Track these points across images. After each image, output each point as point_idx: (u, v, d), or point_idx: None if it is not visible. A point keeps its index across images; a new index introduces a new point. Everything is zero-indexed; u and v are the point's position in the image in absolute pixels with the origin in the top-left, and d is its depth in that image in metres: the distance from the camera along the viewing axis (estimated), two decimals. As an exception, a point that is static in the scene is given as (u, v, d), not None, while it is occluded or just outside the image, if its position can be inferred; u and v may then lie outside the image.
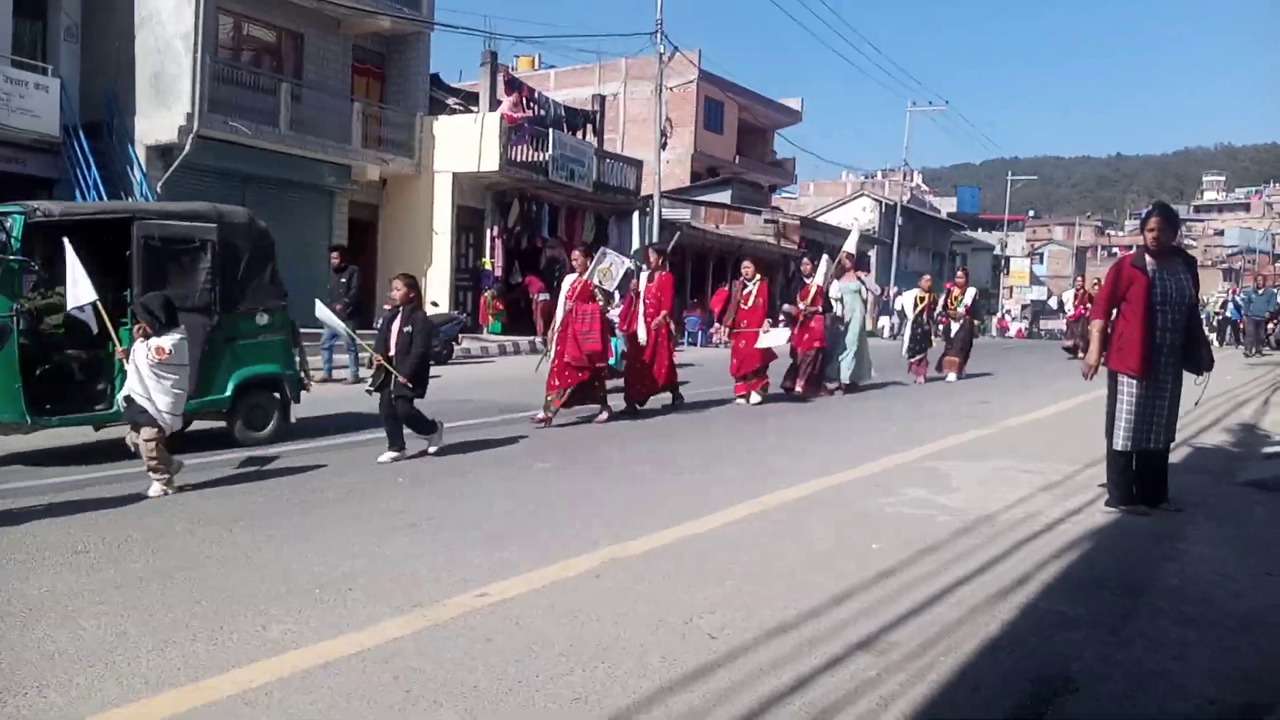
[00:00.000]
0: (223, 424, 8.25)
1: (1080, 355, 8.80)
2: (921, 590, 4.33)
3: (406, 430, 7.63)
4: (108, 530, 5.38)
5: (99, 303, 6.87)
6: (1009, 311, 55.06)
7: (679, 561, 4.81)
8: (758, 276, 11.77)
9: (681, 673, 3.42)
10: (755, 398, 11.38)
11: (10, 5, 16.93)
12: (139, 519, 5.68)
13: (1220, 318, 28.57)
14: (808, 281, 12.18)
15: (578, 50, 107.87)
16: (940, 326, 15.38)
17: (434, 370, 8.39)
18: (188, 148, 17.62)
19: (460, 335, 18.73)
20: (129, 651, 3.59)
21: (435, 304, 20.43)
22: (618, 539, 5.20)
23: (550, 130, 24.10)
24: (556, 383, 9.53)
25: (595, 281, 9.58)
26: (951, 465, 7.51)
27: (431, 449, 7.80)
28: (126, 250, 7.53)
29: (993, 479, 6.97)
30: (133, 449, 6.44)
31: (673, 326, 10.69)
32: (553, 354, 9.69)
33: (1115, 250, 77.26)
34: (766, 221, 36.28)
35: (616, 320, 10.62)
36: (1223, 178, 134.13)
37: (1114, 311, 6.00)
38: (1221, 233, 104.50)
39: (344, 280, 13.57)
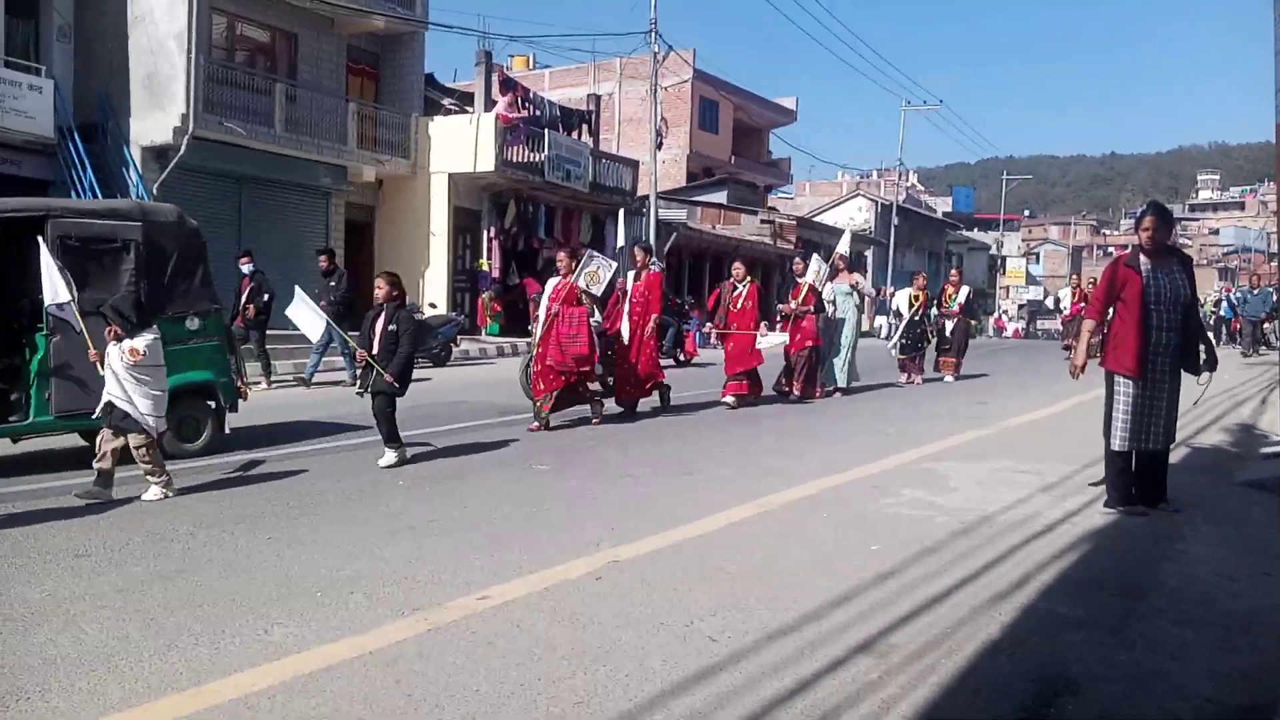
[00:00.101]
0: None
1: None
2: (921, 592, 4.35)
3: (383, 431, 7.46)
4: (109, 534, 5.39)
5: (74, 302, 6.76)
6: (1005, 312, 55.13)
7: (679, 563, 4.82)
8: (748, 278, 11.75)
9: (683, 675, 3.42)
10: (730, 399, 11.35)
11: (2, 6, 16.87)
12: (140, 522, 5.67)
13: (1214, 316, 28.63)
14: (800, 281, 12.19)
15: (572, 50, 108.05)
16: (935, 326, 15.38)
17: (432, 372, 8.36)
18: (183, 149, 17.58)
19: (458, 337, 18.72)
20: (131, 655, 3.59)
21: (433, 305, 20.46)
22: (618, 541, 5.21)
23: (546, 130, 24.09)
24: (542, 386, 9.41)
25: (582, 285, 9.44)
26: (950, 466, 7.52)
27: (382, 461, 7.41)
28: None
29: (991, 480, 6.98)
30: (97, 454, 6.26)
31: (652, 327, 10.40)
32: (534, 357, 9.57)
33: (1111, 249, 77.38)
34: (763, 222, 36.30)
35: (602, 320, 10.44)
36: (1217, 176, 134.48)
37: (1109, 311, 6.02)
38: (1216, 231, 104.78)
39: (332, 284, 13.56)
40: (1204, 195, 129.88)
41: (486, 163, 22.26)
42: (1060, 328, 26.78)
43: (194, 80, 17.65)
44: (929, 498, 6.36)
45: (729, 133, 41.72)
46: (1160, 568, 4.86)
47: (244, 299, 13.36)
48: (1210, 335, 8.38)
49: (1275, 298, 23.01)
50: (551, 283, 9.70)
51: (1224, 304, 28.76)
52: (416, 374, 8.46)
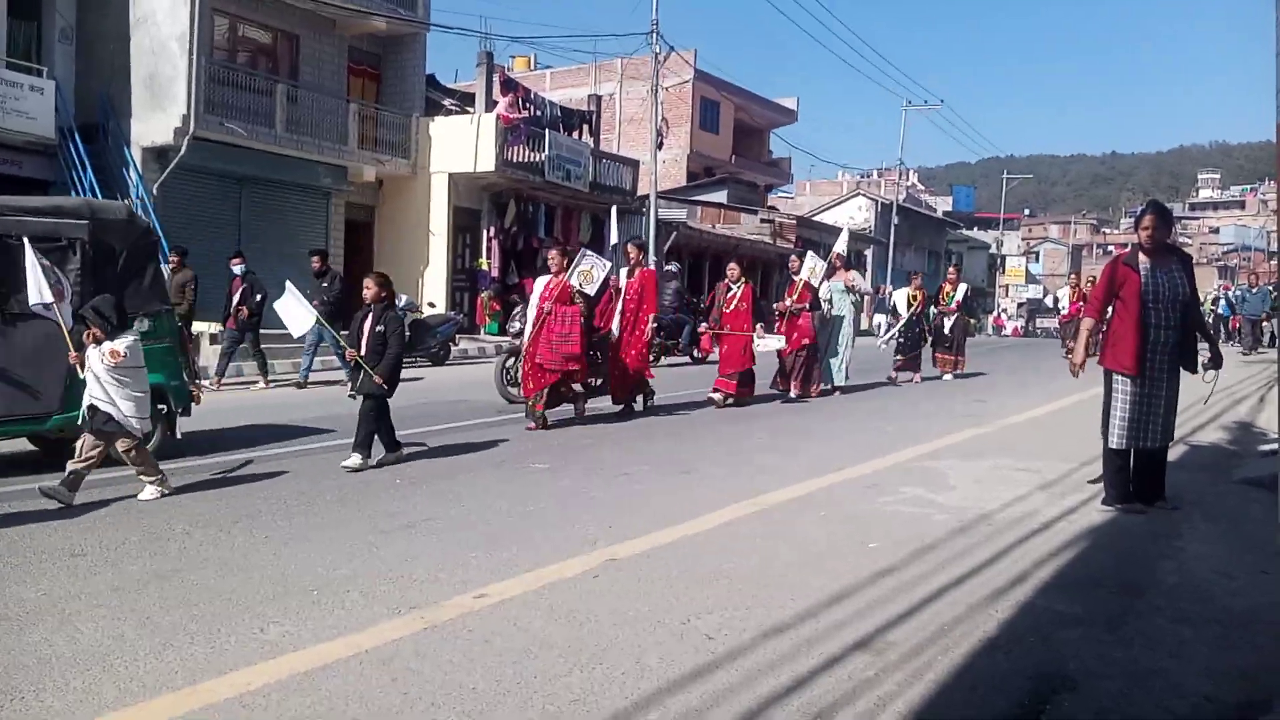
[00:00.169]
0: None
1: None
2: (919, 589, 4.34)
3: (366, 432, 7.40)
4: (105, 533, 5.38)
5: (56, 305, 6.66)
6: (1005, 310, 55.12)
7: (676, 561, 4.81)
8: (743, 280, 11.74)
9: (680, 673, 3.42)
10: (717, 396, 11.33)
11: (4, 7, 16.89)
12: (136, 521, 5.67)
13: (1213, 315, 28.63)
14: (795, 279, 12.18)
15: (573, 50, 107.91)
16: (933, 325, 15.36)
17: (431, 371, 8.35)
18: (183, 150, 17.59)
19: (457, 336, 18.73)
20: (126, 654, 3.59)
21: (432, 304, 20.46)
22: (614, 539, 5.21)
23: (546, 131, 24.10)
24: (531, 385, 9.34)
25: (575, 284, 9.36)
26: (948, 464, 7.52)
27: (348, 462, 7.26)
28: None
29: (989, 478, 6.98)
30: (77, 455, 6.17)
31: (651, 328, 10.36)
32: (523, 355, 9.51)
33: (1111, 248, 77.34)
34: (763, 221, 36.31)
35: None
36: (1218, 175, 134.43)
37: (1109, 310, 6.02)
38: (1217, 230, 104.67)
39: (325, 285, 13.52)
40: (1204, 194, 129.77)
41: (487, 163, 22.27)
42: (1058, 327, 26.75)
43: (195, 81, 17.67)
44: (927, 495, 6.35)
45: (729, 133, 41.72)
46: (1158, 565, 4.85)
47: (236, 300, 13.34)
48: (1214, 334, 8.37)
49: (1274, 296, 22.98)
50: (542, 281, 9.59)
51: (1221, 302, 28.74)
52: (412, 373, 8.43)
